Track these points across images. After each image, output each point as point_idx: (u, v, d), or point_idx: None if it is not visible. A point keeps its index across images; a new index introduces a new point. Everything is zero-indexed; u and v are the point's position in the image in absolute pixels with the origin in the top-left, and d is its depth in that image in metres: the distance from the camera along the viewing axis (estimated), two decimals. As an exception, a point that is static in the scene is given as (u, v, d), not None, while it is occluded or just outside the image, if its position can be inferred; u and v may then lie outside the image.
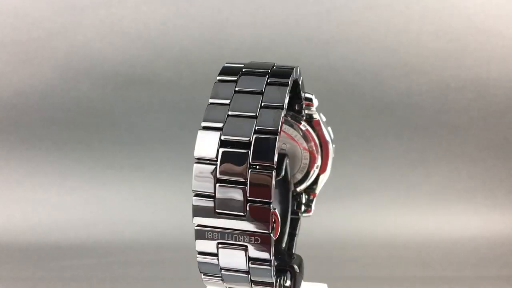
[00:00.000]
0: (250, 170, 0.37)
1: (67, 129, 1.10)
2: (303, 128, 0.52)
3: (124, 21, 1.09)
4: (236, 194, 0.37)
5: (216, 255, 0.40)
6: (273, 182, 0.36)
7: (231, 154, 0.37)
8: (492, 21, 1.10)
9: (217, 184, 0.38)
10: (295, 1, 1.10)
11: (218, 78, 0.42)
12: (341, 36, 1.10)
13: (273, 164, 0.36)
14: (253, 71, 0.42)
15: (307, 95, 0.49)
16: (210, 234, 0.39)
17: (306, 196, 0.55)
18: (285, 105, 0.39)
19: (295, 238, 0.55)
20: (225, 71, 0.43)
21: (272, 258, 0.38)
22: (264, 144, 0.37)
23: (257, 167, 0.37)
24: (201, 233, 0.39)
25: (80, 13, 1.09)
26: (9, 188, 1.08)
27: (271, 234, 0.38)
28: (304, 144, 0.53)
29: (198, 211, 0.39)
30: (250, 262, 0.39)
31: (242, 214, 0.37)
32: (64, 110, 1.10)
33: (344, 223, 1.02)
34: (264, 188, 0.36)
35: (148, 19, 1.09)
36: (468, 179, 1.10)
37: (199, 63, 1.08)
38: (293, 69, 0.42)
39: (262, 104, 0.39)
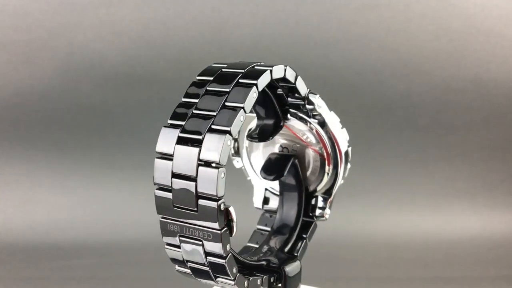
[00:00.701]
0: (199, 167, 0.38)
1: (67, 129, 1.10)
2: (312, 130, 0.51)
3: (124, 21, 1.09)
4: (188, 189, 0.38)
5: (179, 247, 0.41)
6: (220, 178, 0.37)
7: (185, 150, 0.39)
8: (492, 22, 1.10)
9: (173, 179, 0.39)
10: (295, 1, 1.10)
11: (197, 78, 0.43)
12: (341, 36, 1.10)
13: (218, 161, 0.37)
14: (229, 71, 0.42)
15: (310, 95, 0.49)
16: (171, 226, 0.41)
17: (322, 200, 0.53)
18: (246, 106, 0.39)
19: (305, 241, 0.53)
20: (204, 71, 0.44)
21: (227, 254, 0.39)
22: (214, 142, 0.38)
23: (205, 164, 0.38)
24: (164, 225, 0.41)
25: (80, 13, 1.09)
26: (9, 188, 1.08)
27: (222, 231, 0.38)
28: (314, 146, 0.52)
29: (159, 203, 0.40)
30: (207, 256, 0.40)
31: (194, 209, 0.39)
32: (64, 110, 1.10)
33: (344, 223, 1.02)
34: (211, 185, 0.37)
35: (148, 19, 1.09)
36: (468, 179, 1.10)
37: (199, 63, 1.07)
38: (269, 69, 0.42)
39: (225, 104, 0.40)
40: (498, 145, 1.11)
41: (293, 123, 0.51)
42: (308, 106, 0.49)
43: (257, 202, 0.56)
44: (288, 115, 0.50)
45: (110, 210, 1.06)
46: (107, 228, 1.03)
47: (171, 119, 0.41)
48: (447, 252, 0.98)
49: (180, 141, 0.39)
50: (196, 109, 0.40)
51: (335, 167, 0.52)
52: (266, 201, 0.56)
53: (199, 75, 0.43)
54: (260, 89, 0.41)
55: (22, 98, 1.10)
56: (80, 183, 1.09)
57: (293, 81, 0.46)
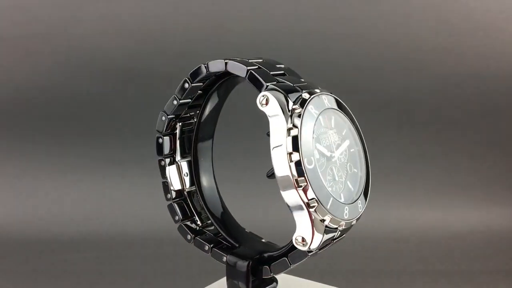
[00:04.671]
0: None
1: (67, 124, 1.10)
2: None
3: (124, 15, 1.09)
4: None
5: None
6: (158, 143, 0.50)
7: None
8: (492, 17, 1.10)
9: None
10: (294, -4, 1.10)
11: None
12: (340, 31, 1.10)
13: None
14: None
15: (262, 92, 0.40)
16: None
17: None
18: (176, 92, 0.48)
19: (283, 259, 0.46)
20: None
21: (168, 200, 0.52)
22: None
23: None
24: None
25: (80, 7, 1.09)
26: (9, 182, 1.09)
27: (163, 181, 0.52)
28: None
29: None
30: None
31: None
32: (64, 104, 1.10)
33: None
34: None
35: (148, 14, 1.09)
36: (467, 174, 1.10)
37: (199, 57, 1.07)
38: (203, 64, 0.45)
39: None
40: (497, 140, 1.11)
41: None
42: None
43: None
44: None
45: (110, 204, 1.06)
46: (107, 222, 1.04)
47: None
48: (445, 246, 0.99)
49: None
50: None
51: None
52: None
53: None
54: (193, 80, 0.47)
55: (22, 93, 1.10)
56: (80, 177, 1.09)
57: (243, 75, 0.43)
